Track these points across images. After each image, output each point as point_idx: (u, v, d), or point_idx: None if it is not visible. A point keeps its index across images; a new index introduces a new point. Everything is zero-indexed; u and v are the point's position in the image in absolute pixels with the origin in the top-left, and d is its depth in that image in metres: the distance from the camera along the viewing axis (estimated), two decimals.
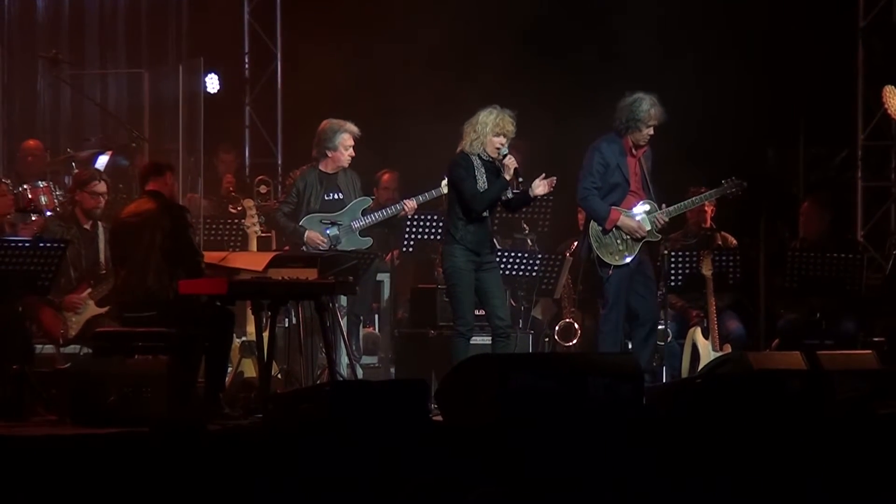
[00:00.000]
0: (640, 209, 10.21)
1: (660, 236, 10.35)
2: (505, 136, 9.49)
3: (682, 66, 12.31)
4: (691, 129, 11.65)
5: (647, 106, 10.06)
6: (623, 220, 10.13)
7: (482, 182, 9.47)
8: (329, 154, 10.71)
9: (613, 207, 10.14)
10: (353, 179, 10.85)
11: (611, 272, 10.15)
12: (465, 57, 12.88)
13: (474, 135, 9.48)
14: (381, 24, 13.35)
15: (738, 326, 11.34)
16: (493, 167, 9.53)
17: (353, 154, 10.73)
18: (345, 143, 10.68)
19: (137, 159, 12.17)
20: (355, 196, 10.80)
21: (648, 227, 10.18)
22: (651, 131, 10.11)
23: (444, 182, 10.26)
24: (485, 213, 9.53)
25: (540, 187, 9.63)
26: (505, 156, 9.48)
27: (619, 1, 12.85)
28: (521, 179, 9.59)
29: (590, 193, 10.14)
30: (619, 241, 10.16)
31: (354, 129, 10.70)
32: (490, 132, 9.46)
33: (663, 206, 10.30)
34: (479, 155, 9.50)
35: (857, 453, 7.68)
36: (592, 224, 10.18)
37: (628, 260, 10.14)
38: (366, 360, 11.45)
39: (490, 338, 10.11)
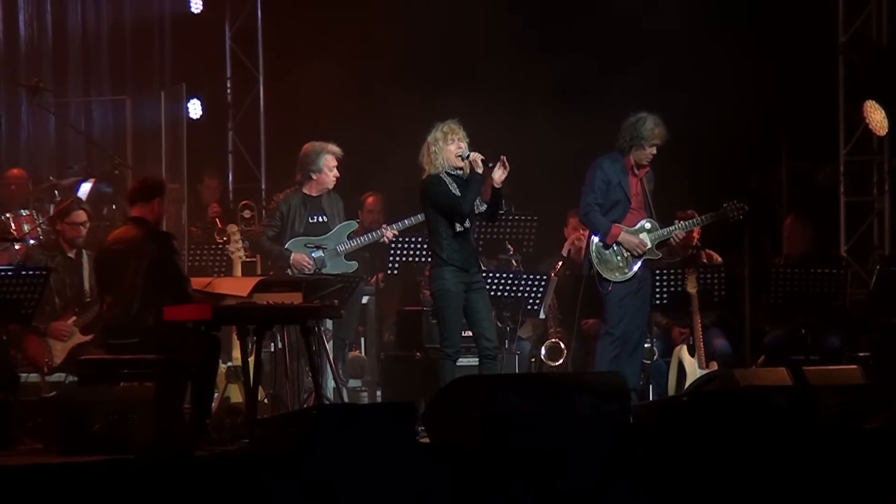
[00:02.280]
0: (641, 226, 10.26)
1: (660, 254, 10.40)
2: (460, 140, 9.49)
3: (663, 80, 12.36)
4: (673, 146, 11.68)
5: (651, 125, 10.13)
6: (624, 237, 10.18)
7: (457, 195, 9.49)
8: (314, 176, 10.72)
9: (615, 224, 10.19)
10: (336, 202, 10.86)
11: (611, 288, 10.19)
12: (451, 78, 12.90)
13: (433, 154, 9.49)
14: (364, 47, 13.38)
15: (724, 343, 11.35)
16: (462, 180, 9.55)
17: (338, 175, 10.75)
18: (328, 164, 10.70)
19: (121, 186, 12.16)
20: (339, 219, 10.81)
21: (649, 245, 10.24)
22: (654, 150, 10.18)
23: None
24: (466, 225, 9.52)
25: (497, 173, 9.46)
26: (468, 156, 9.48)
27: (600, 25, 12.92)
28: (490, 165, 9.52)
29: (591, 209, 10.21)
30: (619, 258, 10.21)
31: (337, 150, 10.73)
32: (444, 143, 9.47)
33: (676, 221, 10.42)
34: (445, 172, 9.52)
35: (843, 468, 7.69)
36: (594, 240, 10.24)
37: (629, 276, 10.19)
38: (351, 383, 11.44)
39: (478, 358, 10.14)
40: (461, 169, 9.49)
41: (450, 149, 9.47)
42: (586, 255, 10.35)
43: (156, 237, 9.29)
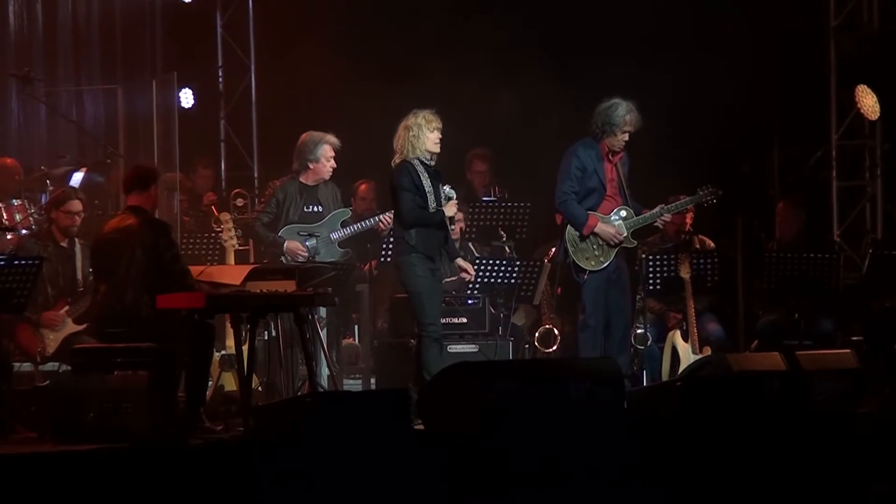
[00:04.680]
0: (617, 215, 10.23)
1: (636, 242, 10.37)
2: (439, 130, 9.60)
3: (655, 65, 12.35)
4: (665, 130, 11.68)
5: (623, 112, 10.07)
6: (601, 227, 10.13)
7: (427, 185, 9.53)
8: (311, 166, 10.73)
9: (591, 213, 10.15)
10: (334, 192, 10.88)
11: (586, 277, 10.16)
12: (444, 66, 12.88)
13: (413, 139, 9.57)
14: (356, 35, 13.36)
15: (718, 328, 11.36)
16: (434, 171, 9.63)
17: (335, 165, 10.76)
18: (326, 154, 10.71)
19: (113, 175, 12.15)
20: (335, 209, 10.82)
21: (625, 233, 10.20)
22: (626, 137, 10.13)
23: None
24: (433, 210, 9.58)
25: (464, 271, 10.00)
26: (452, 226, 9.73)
27: (594, 10, 12.91)
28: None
29: (568, 198, 10.16)
30: (595, 247, 10.17)
31: (335, 140, 10.74)
32: (426, 130, 9.57)
33: (661, 206, 10.34)
34: (419, 159, 9.55)
35: (836, 452, 7.71)
36: (569, 229, 10.19)
37: (605, 265, 10.16)
38: (344, 370, 11.44)
39: (472, 345, 10.20)
40: (434, 157, 9.55)
41: (430, 136, 9.55)
42: (561, 243, 10.30)
43: (153, 226, 9.26)
